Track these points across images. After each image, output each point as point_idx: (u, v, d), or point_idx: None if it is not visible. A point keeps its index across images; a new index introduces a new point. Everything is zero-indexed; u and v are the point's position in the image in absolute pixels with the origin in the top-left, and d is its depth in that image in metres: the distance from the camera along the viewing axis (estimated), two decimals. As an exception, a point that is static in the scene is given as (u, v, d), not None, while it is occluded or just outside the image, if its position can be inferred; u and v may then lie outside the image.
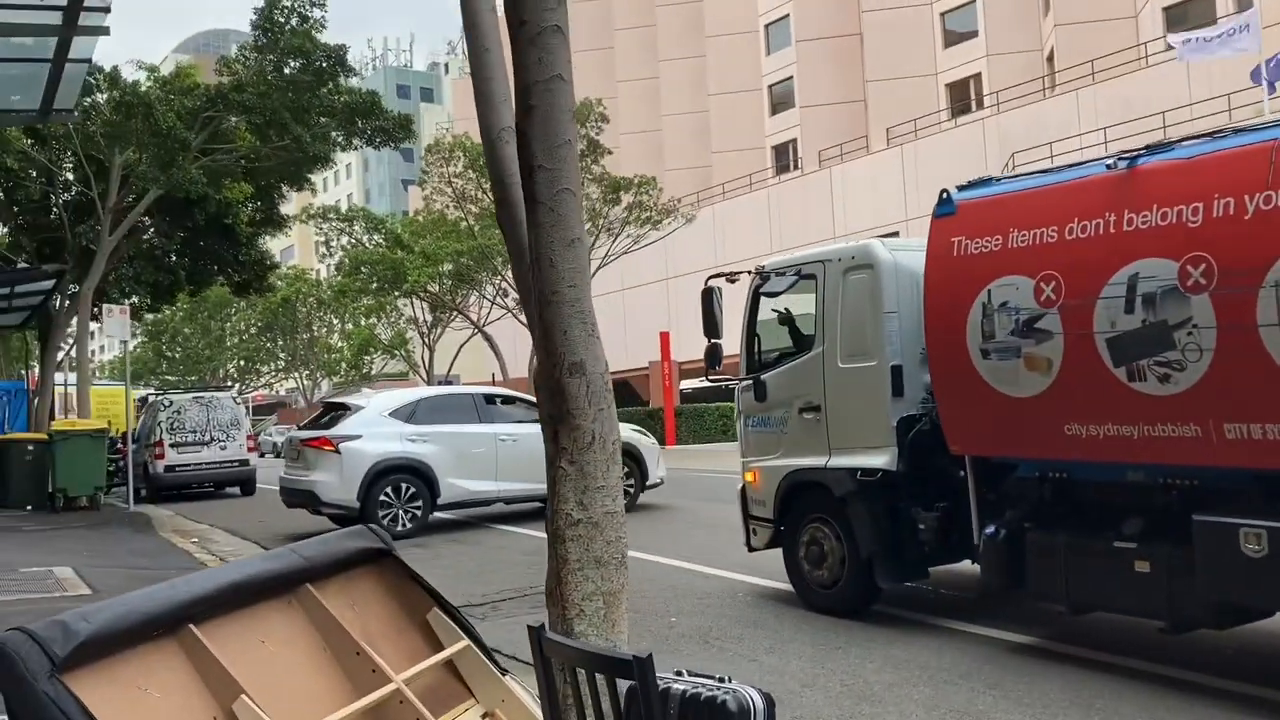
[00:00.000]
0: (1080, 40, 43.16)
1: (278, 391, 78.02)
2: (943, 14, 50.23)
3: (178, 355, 68.01)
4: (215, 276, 24.91)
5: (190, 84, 19.28)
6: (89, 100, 18.11)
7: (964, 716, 5.65)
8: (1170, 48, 38.73)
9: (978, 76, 48.88)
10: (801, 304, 8.80)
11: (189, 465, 21.59)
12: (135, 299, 23.48)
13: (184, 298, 33.14)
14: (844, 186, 44.81)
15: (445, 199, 38.66)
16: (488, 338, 40.51)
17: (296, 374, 67.76)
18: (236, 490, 22.87)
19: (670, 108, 61.94)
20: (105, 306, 16.88)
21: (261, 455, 47.80)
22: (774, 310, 9.00)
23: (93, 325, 21.27)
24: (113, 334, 17.06)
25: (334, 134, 19.36)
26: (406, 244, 39.51)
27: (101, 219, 19.59)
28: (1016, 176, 7.18)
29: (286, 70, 19.33)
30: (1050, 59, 45.99)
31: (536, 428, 15.04)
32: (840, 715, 5.77)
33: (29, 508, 17.64)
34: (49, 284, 18.06)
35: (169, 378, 64.84)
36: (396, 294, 41.65)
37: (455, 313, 43.58)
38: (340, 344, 61.51)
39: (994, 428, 6.87)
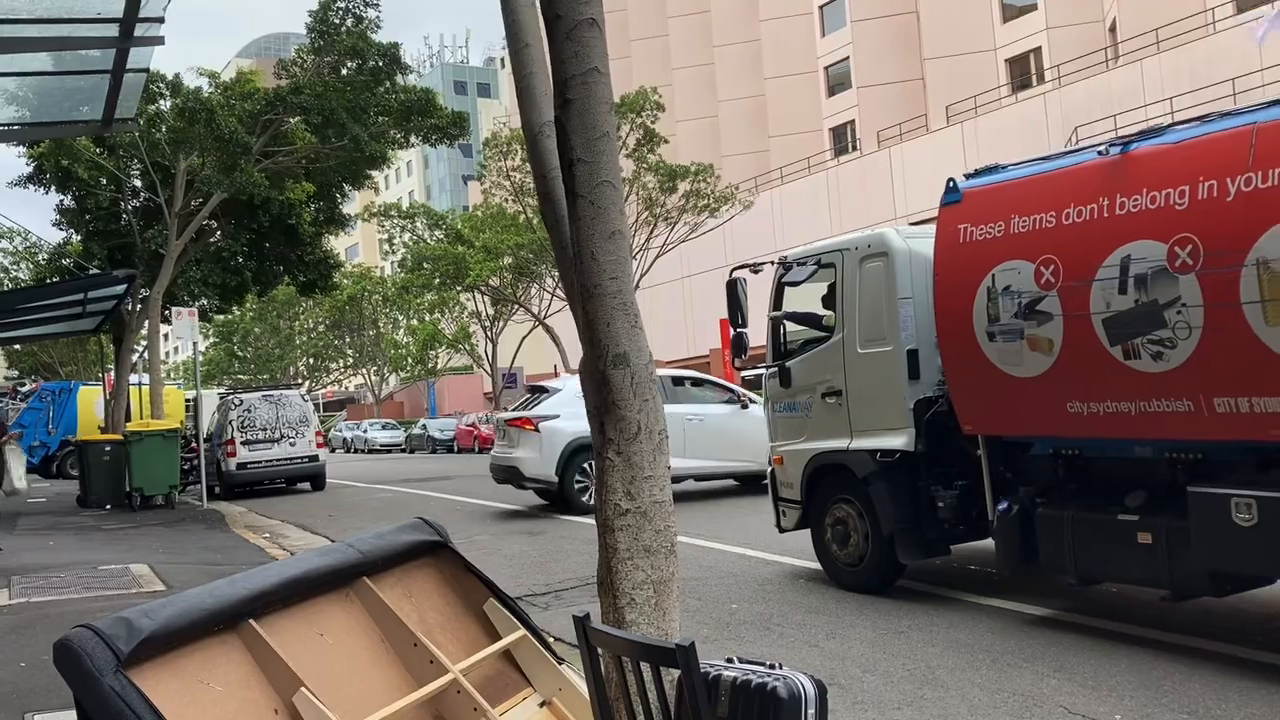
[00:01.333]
0: (1143, 9, 42.08)
1: (346, 388, 79.26)
2: (1001, -13, 49.28)
3: (249, 355, 69.46)
4: (281, 277, 25.33)
5: (250, 88, 19.64)
6: (153, 108, 18.54)
7: (1028, 700, 5.59)
8: (1241, 11, 37.81)
9: (1038, 50, 47.89)
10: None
11: (260, 462, 22.04)
12: (204, 301, 24.01)
13: (252, 298, 33.71)
14: (904, 167, 44.21)
15: (504, 192, 38.93)
16: (549, 329, 40.75)
17: (364, 370, 68.80)
18: (307, 486, 23.30)
19: (726, 93, 61.66)
20: (174, 309, 17.29)
21: (332, 450, 48.85)
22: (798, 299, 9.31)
23: (164, 328, 21.79)
24: (181, 335, 17.48)
25: (391, 132, 19.59)
26: (467, 239, 39.87)
27: (169, 224, 20.05)
28: (1020, 164, 7.31)
29: (343, 71, 19.60)
30: (1113, 29, 44.90)
31: (722, 408, 15.35)
32: (902, 699, 5.74)
33: (108, 507, 18.18)
34: (121, 289, 18.46)
35: (241, 377, 66.21)
36: (459, 289, 42.05)
37: (516, 306, 43.89)
38: (406, 339, 62.27)
39: (1001, 407, 7.12)
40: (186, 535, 14.80)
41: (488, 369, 51.35)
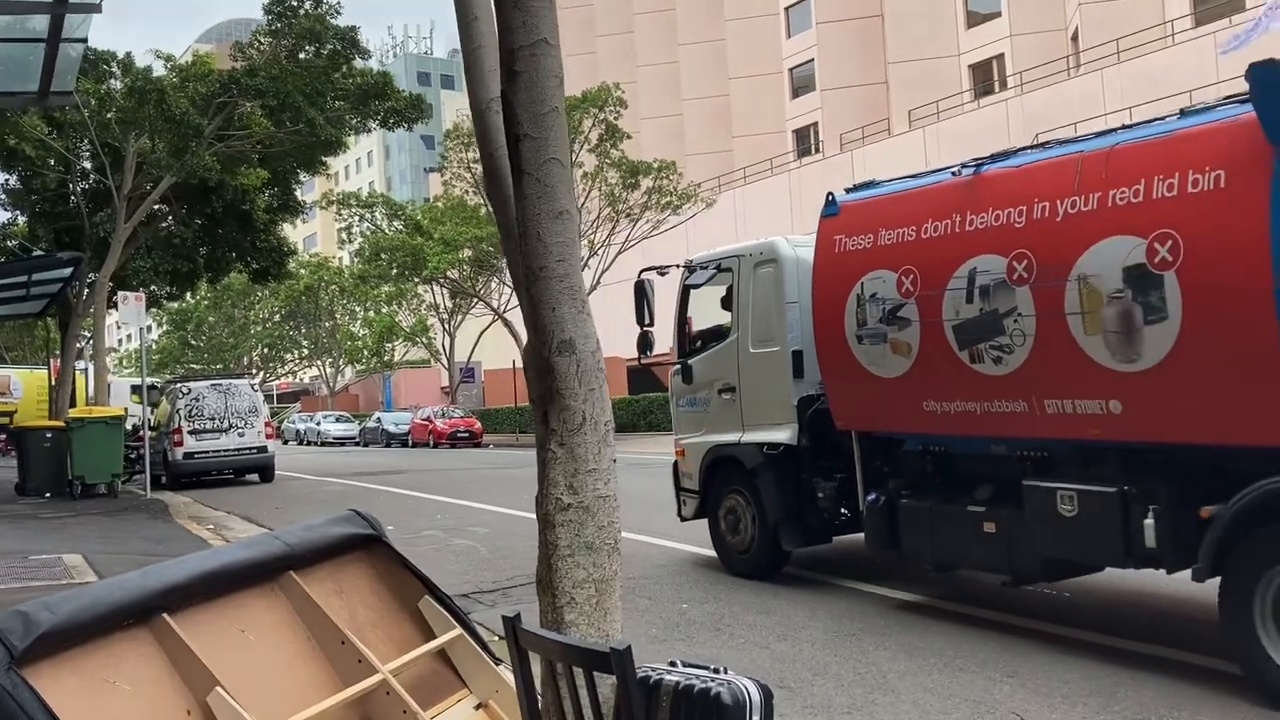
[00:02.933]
0: (1105, 19, 42.50)
1: (301, 379, 78.35)
2: (965, -6, 49.58)
3: (202, 344, 68.41)
4: (234, 264, 24.86)
5: (205, 70, 19.21)
6: (104, 88, 18.07)
7: (979, 706, 5.47)
8: (1199, 24, 38.25)
9: (1000, 57, 48.24)
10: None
11: (208, 452, 21.58)
12: (154, 287, 23.50)
13: (204, 286, 33.14)
14: (865, 169, 44.13)
15: (465, 184, 38.58)
16: (507, 324, 40.40)
17: (319, 362, 68.00)
18: (255, 477, 22.88)
19: (690, 92, 61.55)
20: (120, 294, 16.83)
21: (284, 442, 48.19)
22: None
23: (112, 314, 21.29)
24: (127, 321, 17.02)
25: (348, 117, 19.23)
26: (426, 230, 39.46)
27: (117, 207, 19.55)
28: (893, 180, 7.87)
29: (300, 55, 19.23)
30: (1075, 38, 45.32)
31: None
32: (852, 704, 5.61)
33: (47, 495, 17.68)
34: (67, 271, 18.01)
35: (194, 366, 65.21)
36: (416, 280, 41.63)
37: (475, 299, 43.54)
38: (362, 331, 61.60)
39: (869, 405, 7.74)
40: (127, 525, 14.41)
41: (445, 362, 50.90)
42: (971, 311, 6.67)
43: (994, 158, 6.87)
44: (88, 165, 22.41)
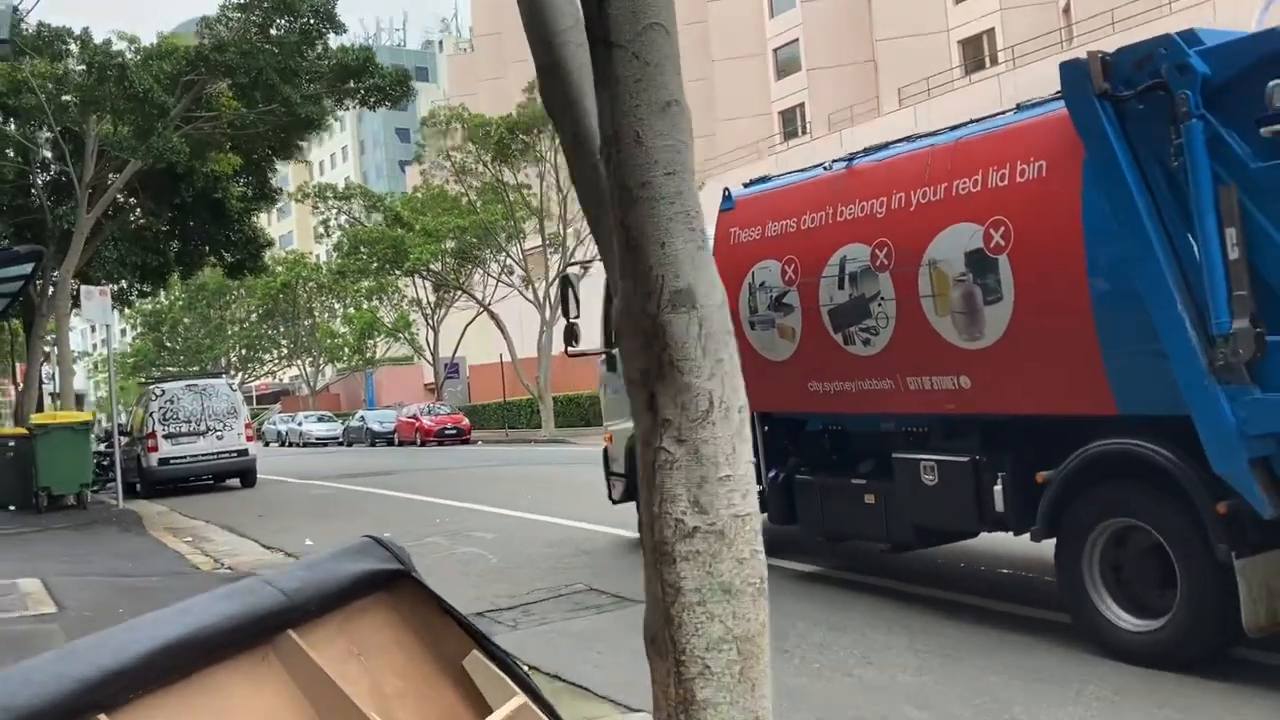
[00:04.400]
0: (1098, -10, 41.55)
1: (281, 379, 76.79)
2: (953, -33, 48.52)
3: (178, 345, 66.70)
4: (207, 258, 23.54)
5: (169, 48, 17.87)
6: (60, 67, 16.74)
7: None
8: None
9: (991, 32, 47.26)
10: None
11: (184, 457, 20.29)
12: (123, 282, 22.17)
13: (177, 283, 31.77)
14: (854, 150, 43.20)
15: (445, 173, 37.29)
16: (494, 317, 39.15)
17: (299, 361, 66.43)
18: (236, 482, 21.63)
19: (672, 76, 60.20)
20: (83, 288, 15.51)
21: (265, 444, 46.79)
22: None
23: (78, 314, 19.96)
24: (92, 318, 15.71)
25: (325, 95, 17.94)
26: (407, 221, 38.16)
27: (79, 197, 18.21)
28: (783, 175, 8.36)
29: (272, 30, 17.92)
30: (1066, 11, 44.38)
31: None
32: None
33: (11, 508, 16.36)
34: (27, 268, 16.71)
35: (170, 369, 63.58)
36: (397, 273, 40.30)
37: (460, 292, 42.25)
38: (343, 328, 60.12)
39: (764, 387, 7.67)
40: (97, 540, 13.18)
41: (429, 358, 49.57)
42: (843, 297, 7.12)
43: (865, 151, 7.36)
44: (48, 155, 21.06)
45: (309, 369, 64.89)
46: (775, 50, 57.02)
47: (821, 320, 7.32)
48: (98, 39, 17.38)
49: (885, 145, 7.28)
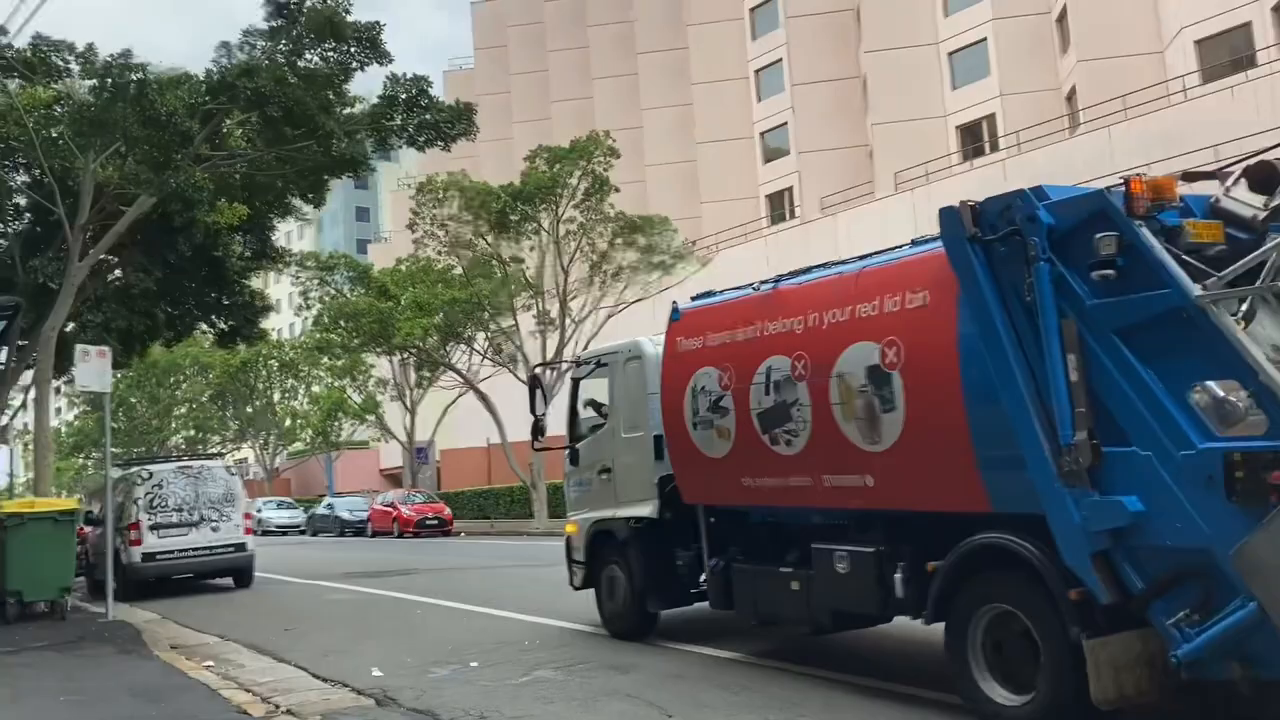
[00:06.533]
0: (1101, 77, 40.90)
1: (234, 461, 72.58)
2: (950, 54, 47.78)
3: (122, 426, 62.56)
4: (198, 322, 20.78)
5: (182, 76, 15.36)
6: (56, 87, 14.15)
7: None
8: (1207, 81, 36.71)
9: (991, 118, 46.38)
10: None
11: (172, 552, 17.23)
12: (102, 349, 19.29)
13: (153, 350, 28.68)
14: (850, 235, 41.46)
15: (436, 244, 34.82)
16: (483, 396, 36.37)
17: (253, 443, 62.62)
18: (228, 582, 18.60)
19: (655, 157, 58.74)
20: (79, 347, 12.71)
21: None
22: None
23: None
24: (87, 384, 12.90)
25: (360, 135, 15.40)
26: (393, 295, 35.55)
27: (70, 242, 15.45)
28: (725, 291, 9.19)
29: (301, 61, 15.52)
30: (1070, 97, 43.68)
31: None
32: None
33: (-30, 617, 13.31)
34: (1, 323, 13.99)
35: (115, 450, 59.45)
36: (379, 350, 37.46)
37: (443, 369, 39.49)
38: (306, 407, 56.69)
39: (705, 482, 8.93)
40: (94, 667, 10.28)
41: (401, 441, 46.45)
42: (769, 402, 7.90)
43: (792, 274, 8.24)
44: (21, 202, 18.31)
45: (264, 451, 61.14)
46: (763, 133, 55.87)
47: (752, 422, 8.13)
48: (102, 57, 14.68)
49: (806, 270, 8.22)
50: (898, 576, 7.03)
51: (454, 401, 41.13)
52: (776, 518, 8.61)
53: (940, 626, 6.78)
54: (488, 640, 10.98)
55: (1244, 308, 5.46)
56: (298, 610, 14.83)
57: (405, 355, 38.88)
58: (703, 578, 9.24)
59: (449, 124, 15.53)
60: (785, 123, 53.89)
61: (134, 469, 18.26)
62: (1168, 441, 5.43)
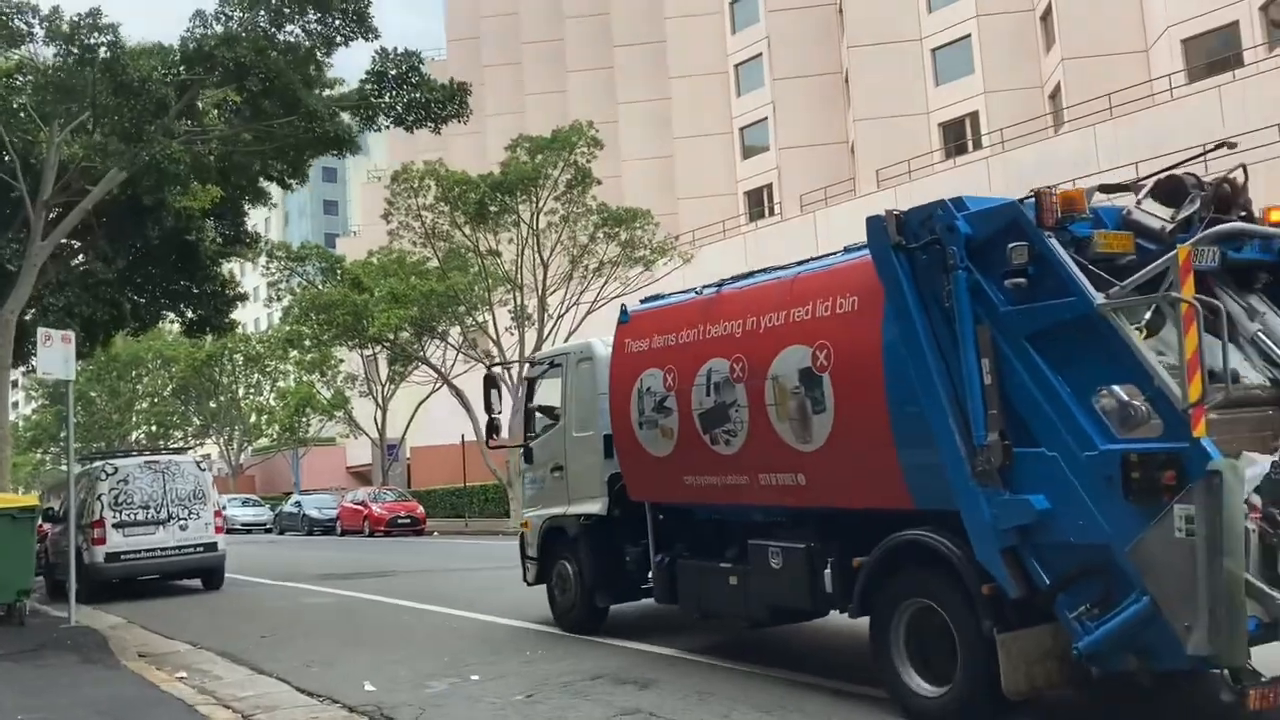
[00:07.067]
0: (1086, 75, 40.54)
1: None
2: (934, 50, 47.33)
3: (81, 420, 60.97)
4: (165, 311, 19.77)
5: (154, 46, 14.38)
6: (16, 56, 13.15)
7: None
8: (1192, 81, 36.43)
9: (974, 115, 45.97)
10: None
11: (138, 552, 16.23)
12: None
13: (115, 342, 27.57)
14: (830, 232, 40.85)
15: (411, 235, 33.86)
16: (458, 392, 35.45)
17: (214, 438, 61.15)
18: (196, 583, 17.65)
19: (631, 152, 57.92)
20: (41, 330, 11.75)
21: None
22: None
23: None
24: (50, 370, 11.92)
25: (342, 115, 14.44)
26: (366, 287, 34.54)
27: (31, 220, 14.43)
28: (671, 295, 9.66)
29: (282, 35, 14.60)
30: (1054, 96, 43.33)
31: None
32: None
33: (-82, 623, 12.33)
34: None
35: (75, 444, 57.87)
36: (352, 343, 36.42)
37: (416, 365, 38.51)
38: (273, 403, 55.35)
39: (651, 480, 9.31)
40: (56, 679, 9.37)
41: (372, 437, 45.40)
42: (710, 403, 8.22)
43: (734, 279, 8.57)
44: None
45: (229, 448, 59.75)
46: (742, 129, 55.23)
47: (694, 422, 8.40)
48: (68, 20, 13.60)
49: (748, 275, 8.52)
50: (827, 572, 7.34)
51: (427, 397, 40.17)
52: (720, 515, 8.86)
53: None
54: (484, 649, 10.21)
55: (1148, 316, 5.76)
56: (273, 615, 13.93)
57: (378, 349, 37.82)
58: (650, 573, 9.53)
59: (440, 104, 14.61)
60: (765, 118, 53.29)
61: (98, 463, 17.22)
62: (1072, 443, 5.68)
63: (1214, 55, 37.30)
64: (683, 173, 55.96)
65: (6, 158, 15.57)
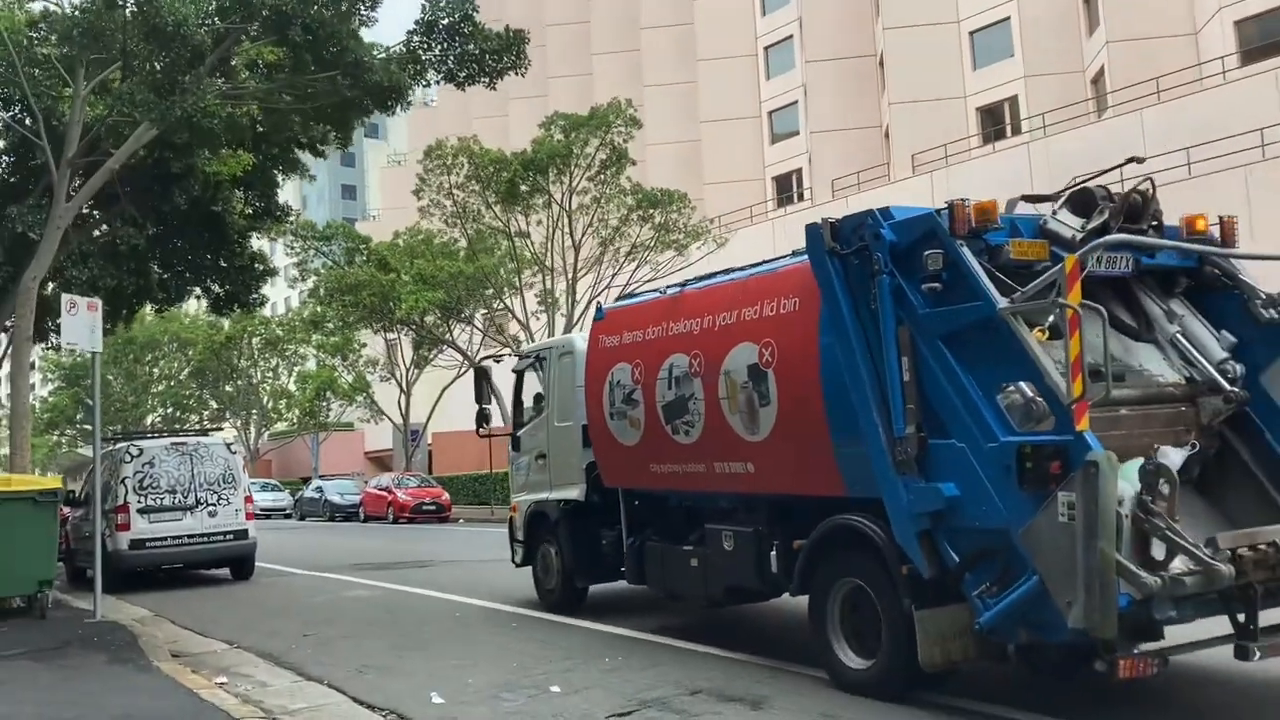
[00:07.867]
0: (1132, 59, 39.21)
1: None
2: (972, 33, 46.02)
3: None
4: (191, 285, 18.79)
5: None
6: (35, 5, 12.17)
7: None
8: (1246, 64, 35.15)
9: (1013, 100, 44.70)
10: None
11: (164, 539, 15.27)
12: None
13: (144, 314, 26.62)
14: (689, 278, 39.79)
15: (442, 214, 32.84)
16: (483, 373, 34.43)
17: (234, 422, 60.34)
18: (225, 572, 16.71)
19: (657, 136, 56.72)
20: (65, 298, 10.74)
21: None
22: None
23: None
24: (75, 340, 10.94)
25: (393, 68, 13.30)
26: (393, 268, 33.54)
27: (55, 181, 13.44)
28: (643, 293, 10.94)
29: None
30: (1096, 80, 42.03)
31: None
32: None
33: (-69, 614, 11.38)
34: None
35: (88, 427, 57.12)
36: (379, 326, 35.44)
37: (440, 349, 37.52)
38: (293, 387, 54.43)
39: (621, 468, 9.91)
40: (81, 683, 8.40)
41: (396, 422, 44.44)
42: (671, 396, 8.85)
43: (697, 280, 9.45)
44: (-1, 143, 16.32)
45: (247, 432, 58.92)
46: (771, 113, 54.04)
47: (657, 414, 8.97)
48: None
49: (709, 276, 9.25)
50: (773, 554, 7.99)
51: (453, 381, 39.18)
52: (684, 501, 9.44)
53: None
54: (555, 653, 9.19)
55: (1050, 319, 6.18)
56: (312, 610, 12.94)
57: (404, 331, 36.83)
58: (620, 556, 10.11)
59: (496, 55, 13.50)
60: (795, 101, 52.12)
61: (121, 444, 16.26)
62: (978, 435, 6.15)
63: (1270, 37, 35.94)
64: (710, 157, 54.81)
65: (29, 120, 14.61)
